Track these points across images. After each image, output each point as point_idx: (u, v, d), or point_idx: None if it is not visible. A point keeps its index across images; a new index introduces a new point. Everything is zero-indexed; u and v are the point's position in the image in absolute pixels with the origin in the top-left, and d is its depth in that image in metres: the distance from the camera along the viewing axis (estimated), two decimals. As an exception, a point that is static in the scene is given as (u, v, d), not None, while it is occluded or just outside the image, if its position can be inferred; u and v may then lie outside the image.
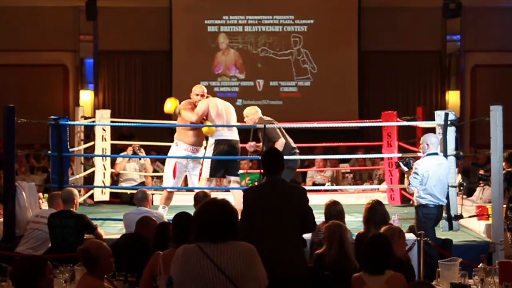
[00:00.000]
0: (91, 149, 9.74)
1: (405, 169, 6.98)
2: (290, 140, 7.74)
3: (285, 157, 7.23)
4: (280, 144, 7.45)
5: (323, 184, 10.85)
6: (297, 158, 7.83)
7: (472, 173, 10.64)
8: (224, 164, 7.64)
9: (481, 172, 8.78)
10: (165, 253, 4.46)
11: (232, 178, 7.79)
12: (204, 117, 7.65)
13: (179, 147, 7.81)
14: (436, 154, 6.80)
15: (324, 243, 5.12)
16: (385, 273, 4.25)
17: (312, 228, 4.75)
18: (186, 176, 8.04)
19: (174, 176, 7.76)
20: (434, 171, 6.64)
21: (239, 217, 3.48)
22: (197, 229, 3.27)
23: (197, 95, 7.78)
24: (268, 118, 7.79)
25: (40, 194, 7.87)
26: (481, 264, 4.73)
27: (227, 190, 8.04)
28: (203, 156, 7.76)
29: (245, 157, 8.33)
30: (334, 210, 5.56)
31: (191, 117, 7.65)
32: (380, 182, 10.86)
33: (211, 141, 7.68)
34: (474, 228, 7.59)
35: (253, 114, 7.81)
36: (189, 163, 7.87)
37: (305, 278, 4.55)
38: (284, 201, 4.51)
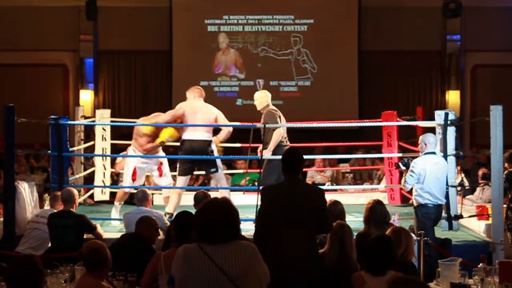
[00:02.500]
0: (91, 148, 9.75)
1: (404, 168, 6.99)
2: (285, 135, 7.77)
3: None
4: (277, 133, 7.48)
5: (323, 184, 10.84)
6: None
7: (472, 172, 10.65)
8: (192, 162, 7.66)
9: (485, 171, 8.78)
10: (167, 252, 4.46)
11: (213, 175, 7.82)
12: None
13: (137, 153, 7.94)
14: (434, 153, 6.81)
15: (326, 242, 5.12)
16: (386, 273, 4.25)
17: (327, 229, 4.75)
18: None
19: (133, 179, 7.91)
20: (431, 170, 6.65)
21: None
22: (198, 230, 3.27)
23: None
24: (273, 107, 7.79)
25: (45, 196, 7.83)
26: (481, 264, 4.73)
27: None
28: (216, 156, 7.77)
29: (244, 156, 8.33)
30: (335, 210, 5.55)
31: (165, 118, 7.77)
32: (380, 182, 10.86)
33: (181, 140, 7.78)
34: (474, 228, 7.59)
35: (262, 97, 7.84)
36: (148, 165, 8.00)
37: (319, 278, 4.56)
38: (302, 201, 4.53)
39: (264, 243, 4.35)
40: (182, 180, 7.68)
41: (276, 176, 7.43)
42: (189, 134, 7.59)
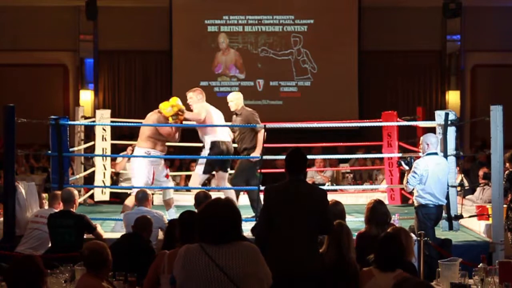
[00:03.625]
0: (91, 149, 9.75)
1: (406, 167, 6.98)
2: None
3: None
4: (262, 134, 7.58)
5: (323, 184, 10.84)
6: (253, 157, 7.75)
7: (473, 173, 10.64)
8: (219, 163, 7.76)
9: (486, 170, 8.78)
10: (171, 252, 4.46)
11: (225, 174, 7.93)
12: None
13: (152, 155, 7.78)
14: (436, 154, 6.81)
15: (324, 242, 5.12)
16: (395, 271, 4.28)
17: (329, 230, 4.76)
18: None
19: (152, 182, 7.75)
20: (433, 171, 6.65)
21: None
22: (199, 230, 3.26)
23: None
24: (249, 108, 7.92)
25: (45, 195, 7.84)
26: (481, 264, 4.73)
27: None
28: (209, 156, 7.78)
29: (245, 156, 8.32)
30: (336, 210, 5.56)
31: (198, 117, 7.70)
32: (380, 183, 10.85)
33: (208, 141, 7.74)
34: (474, 228, 7.59)
35: (237, 99, 7.93)
36: (159, 167, 7.88)
37: (321, 278, 4.57)
38: (304, 201, 4.54)
39: (266, 243, 4.36)
40: (203, 178, 7.81)
41: (246, 175, 7.66)
42: (219, 136, 7.71)
